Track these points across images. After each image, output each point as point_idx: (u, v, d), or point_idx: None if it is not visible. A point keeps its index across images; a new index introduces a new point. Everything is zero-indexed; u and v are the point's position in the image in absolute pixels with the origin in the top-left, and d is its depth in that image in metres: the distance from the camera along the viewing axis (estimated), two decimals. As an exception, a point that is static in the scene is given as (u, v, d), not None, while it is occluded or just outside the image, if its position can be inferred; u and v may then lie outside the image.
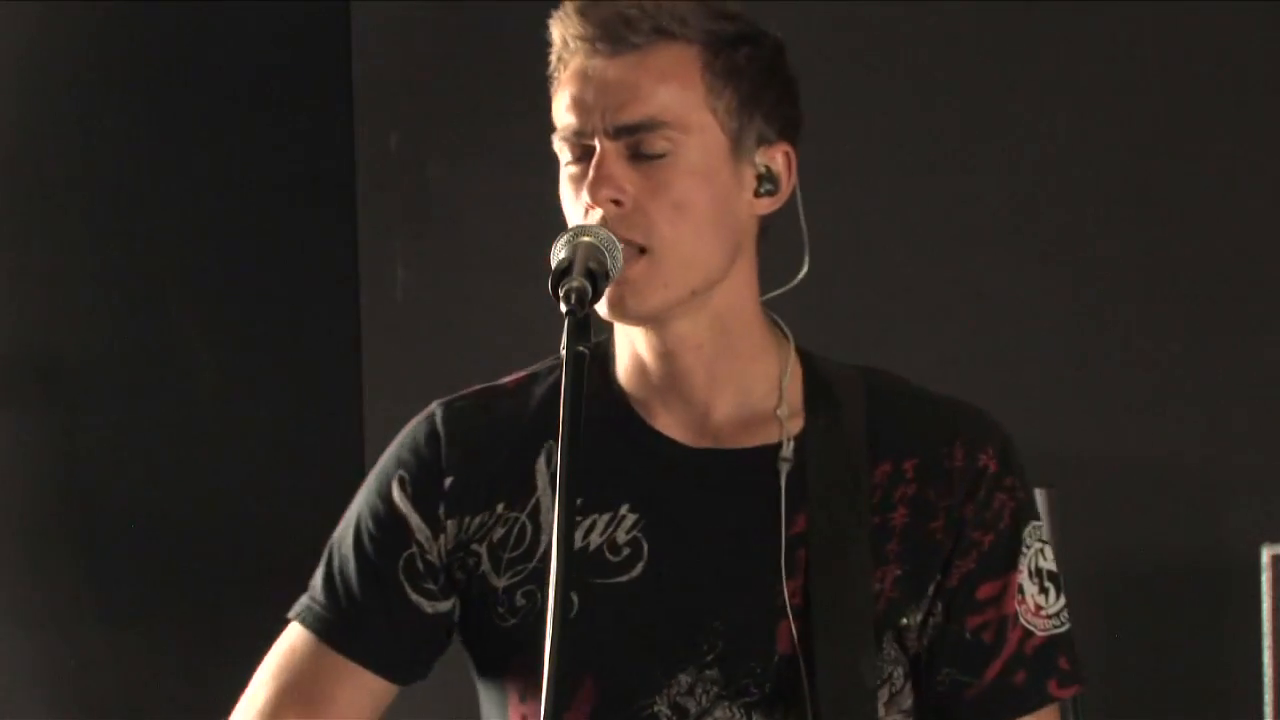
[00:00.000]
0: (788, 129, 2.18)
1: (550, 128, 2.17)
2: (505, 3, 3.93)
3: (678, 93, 2.12)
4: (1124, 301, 3.73)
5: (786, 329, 2.24)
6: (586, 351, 1.98)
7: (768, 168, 2.17)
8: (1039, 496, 3.36)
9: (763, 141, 2.16)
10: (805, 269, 2.22)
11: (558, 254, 2.06)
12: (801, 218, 2.20)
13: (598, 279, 2.03)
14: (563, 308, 2.00)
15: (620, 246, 2.08)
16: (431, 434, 2.23)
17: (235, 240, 4.01)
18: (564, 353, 1.98)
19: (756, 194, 2.17)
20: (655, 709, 2.15)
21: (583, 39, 2.12)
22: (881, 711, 2.18)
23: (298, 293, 4.05)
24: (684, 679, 2.15)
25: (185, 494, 3.96)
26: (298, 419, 4.01)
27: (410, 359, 4.00)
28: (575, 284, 2.01)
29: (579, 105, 2.12)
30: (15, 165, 3.89)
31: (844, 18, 3.80)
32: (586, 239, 2.06)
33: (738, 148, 2.15)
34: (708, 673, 2.15)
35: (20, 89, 3.88)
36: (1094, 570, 3.65)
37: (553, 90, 2.17)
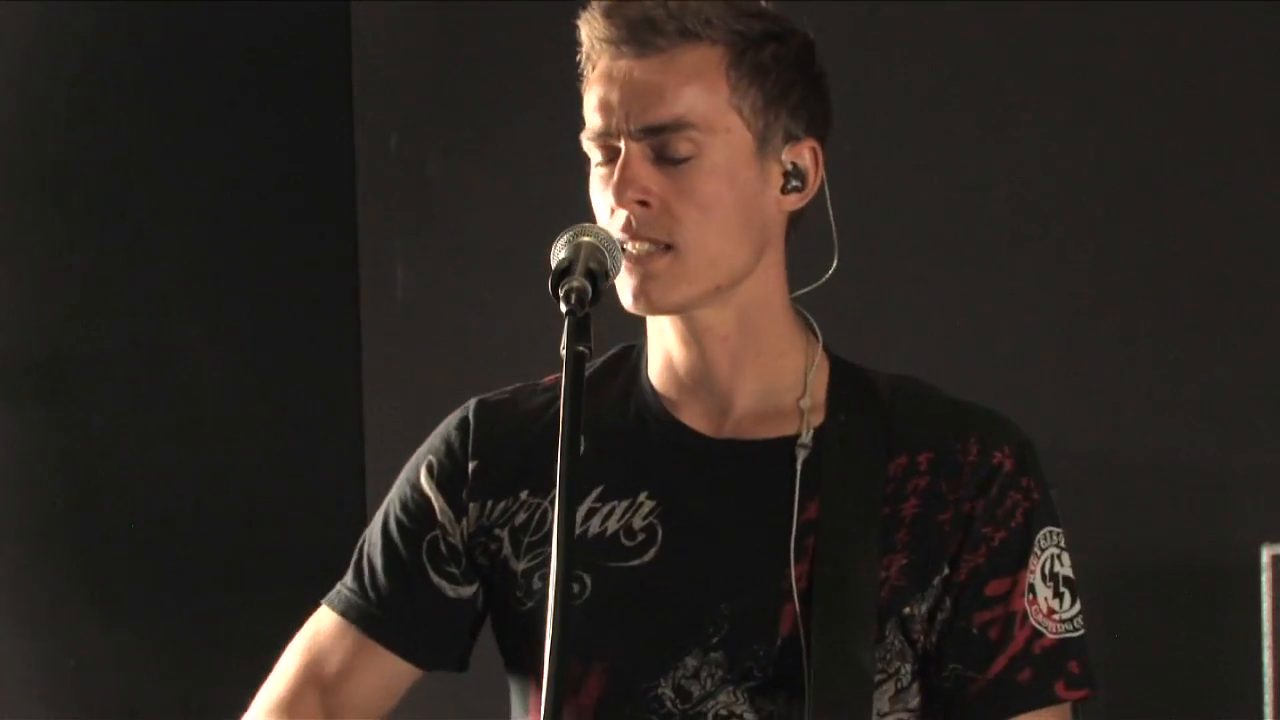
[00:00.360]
0: (815, 125, 2.20)
1: (579, 126, 2.18)
2: (505, 3, 3.93)
3: (702, 94, 2.13)
4: (1124, 301, 3.73)
5: (816, 326, 2.26)
6: (587, 351, 1.99)
7: (795, 164, 2.18)
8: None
9: (790, 138, 2.18)
10: (835, 264, 2.24)
11: (558, 254, 2.07)
12: (830, 212, 2.22)
13: (598, 279, 2.05)
14: (563, 308, 2.02)
15: (620, 246, 2.10)
16: (462, 423, 2.29)
17: (235, 240, 4.01)
18: (563, 352, 1.99)
19: (784, 190, 2.18)
20: (659, 691, 2.17)
21: (608, 41, 2.14)
22: (887, 707, 2.20)
23: (298, 293, 4.05)
24: (690, 662, 2.17)
25: (185, 494, 3.96)
26: (298, 419, 4.01)
27: (410, 359, 4.00)
28: (575, 284, 2.02)
29: (604, 107, 2.14)
30: (15, 165, 3.89)
31: (849, 17, 3.80)
32: (587, 239, 2.07)
33: (763, 146, 2.16)
34: (712, 655, 2.16)
35: (20, 89, 3.88)
36: (1094, 570, 3.64)
37: (583, 89, 2.19)
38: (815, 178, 2.19)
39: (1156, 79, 3.72)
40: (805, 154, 2.19)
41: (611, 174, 2.14)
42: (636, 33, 2.13)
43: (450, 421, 2.30)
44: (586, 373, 2.24)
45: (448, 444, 2.28)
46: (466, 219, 4.00)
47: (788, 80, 2.17)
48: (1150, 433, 3.71)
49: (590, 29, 2.16)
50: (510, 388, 2.32)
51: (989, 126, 3.78)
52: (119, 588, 3.94)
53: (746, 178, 2.15)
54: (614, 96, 2.13)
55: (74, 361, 3.93)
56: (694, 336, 2.20)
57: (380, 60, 4.05)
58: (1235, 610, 3.55)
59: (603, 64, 2.15)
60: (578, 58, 2.19)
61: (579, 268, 2.04)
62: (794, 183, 2.18)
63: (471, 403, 2.30)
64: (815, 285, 2.25)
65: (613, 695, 2.17)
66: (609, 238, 2.08)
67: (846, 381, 2.24)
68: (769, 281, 2.20)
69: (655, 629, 2.17)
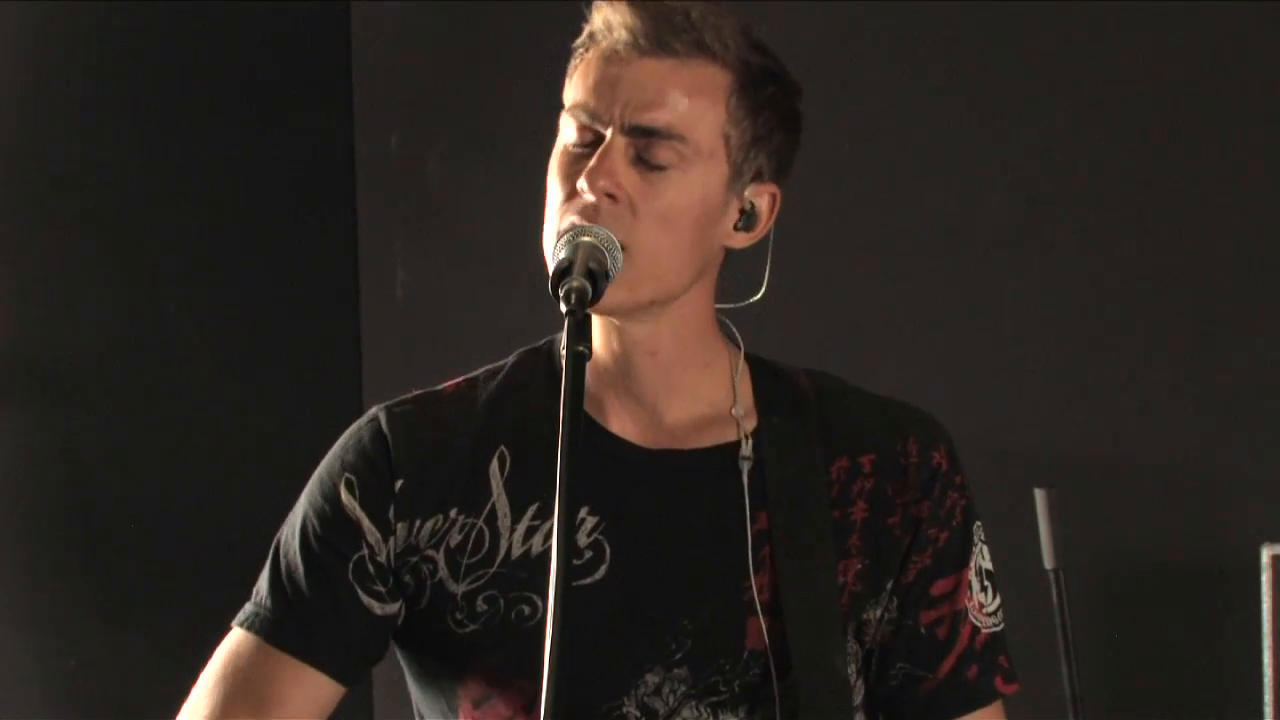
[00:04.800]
0: (781, 171, 2.21)
1: (559, 104, 2.17)
2: (505, 3, 3.93)
3: (701, 112, 2.13)
4: (1124, 301, 3.73)
5: (738, 335, 2.26)
6: (587, 351, 1.99)
7: (753, 204, 2.19)
8: (1039, 496, 3.38)
9: (757, 178, 2.18)
10: (761, 292, 2.22)
11: (558, 254, 2.07)
12: (769, 249, 2.22)
13: (598, 279, 2.05)
14: (563, 308, 2.01)
15: (620, 247, 2.09)
16: (377, 436, 2.23)
17: (235, 240, 4.01)
18: (564, 352, 1.98)
19: (735, 227, 2.19)
20: (624, 710, 2.16)
21: (628, 29, 2.12)
22: None
23: (298, 293, 4.05)
24: (651, 679, 2.16)
25: (185, 494, 3.96)
26: (298, 419, 4.01)
27: (410, 359, 4.00)
28: (575, 284, 2.02)
29: (602, 90, 2.13)
30: (15, 165, 3.89)
31: (849, 17, 3.81)
32: (587, 239, 2.07)
33: (735, 180, 2.17)
34: (675, 671, 2.16)
35: (20, 89, 3.88)
36: (1094, 570, 3.65)
37: (574, 65, 2.17)
38: (767, 223, 2.20)
39: (1156, 79, 3.72)
40: (765, 197, 2.19)
41: (583, 157, 2.13)
42: (657, 29, 2.12)
43: (361, 435, 2.24)
44: (494, 382, 2.24)
45: (366, 459, 2.22)
46: (466, 219, 4.00)
47: (775, 123, 2.17)
48: (1150, 433, 3.70)
49: (609, 11, 2.14)
50: (411, 396, 2.26)
51: (989, 126, 3.78)
52: (119, 588, 3.93)
53: (712, 205, 2.15)
54: (615, 83, 2.12)
55: (74, 361, 3.93)
56: (624, 350, 2.19)
57: (380, 60, 4.05)
58: (1235, 610, 3.55)
59: (609, 48, 2.14)
60: (580, 31, 2.16)
61: (579, 268, 2.03)
62: (746, 221, 2.19)
63: (380, 414, 2.24)
64: (737, 305, 2.24)
65: (575, 715, 2.14)
66: (609, 237, 2.08)
67: (770, 383, 2.24)
68: (699, 305, 2.20)
69: (614, 647, 2.16)
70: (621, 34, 2.13)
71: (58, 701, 3.90)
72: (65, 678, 3.91)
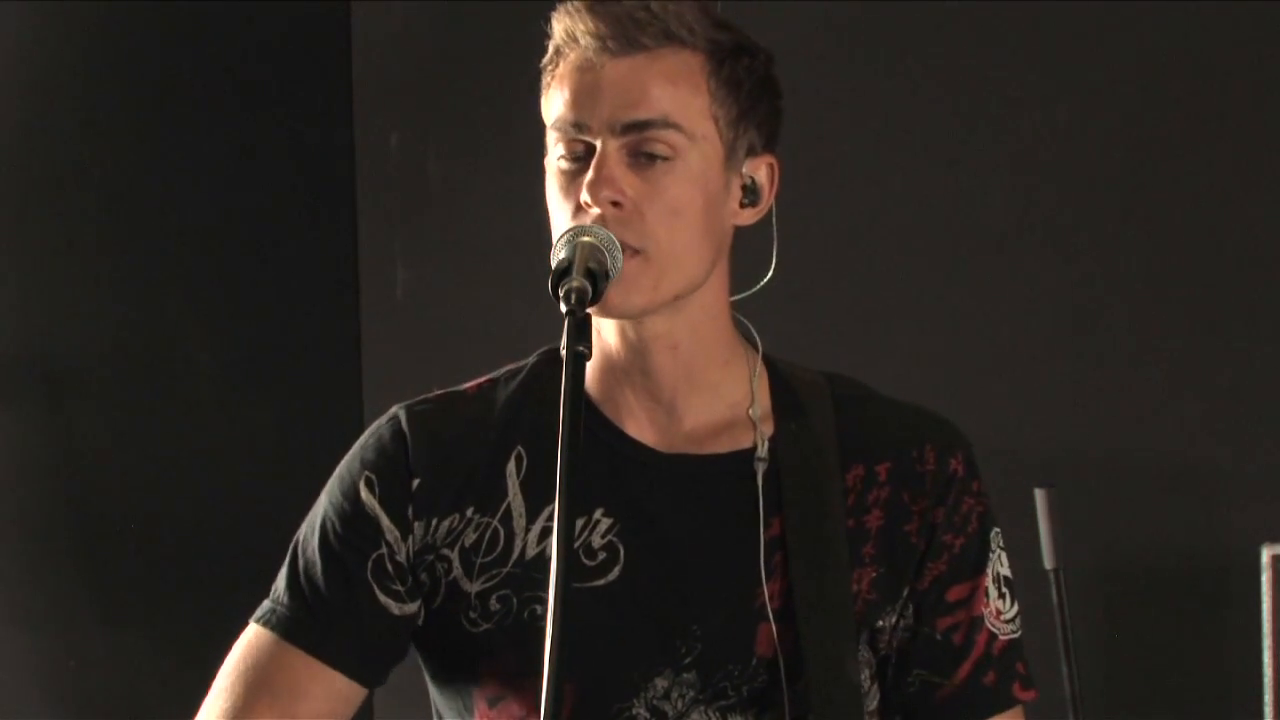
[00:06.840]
0: (772, 140, 2.21)
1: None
2: (505, 3, 3.93)
3: (686, 98, 2.13)
4: (1124, 301, 3.73)
5: (755, 333, 2.26)
6: (587, 351, 1.99)
7: (753, 179, 2.19)
8: (1039, 496, 3.38)
9: (751, 153, 2.19)
10: (770, 274, 2.23)
11: (558, 254, 2.07)
12: (774, 225, 2.22)
13: (598, 279, 2.04)
14: (563, 308, 2.01)
15: (620, 247, 2.09)
16: (397, 434, 2.23)
17: (235, 240, 4.01)
18: (564, 352, 1.98)
19: (740, 204, 2.19)
20: (634, 712, 2.16)
21: (594, 35, 2.12)
22: None
23: (298, 293, 4.05)
24: (660, 683, 2.16)
25: (185, 494, 3.96)
26: (298, 419, 4.01)
27: (410, 359, 4.00)
28: (575, 284, 2.02)
29: (582, 101, 2.13)
30: (16, 165, 3.89)
31: (849, 16, 3.81)
32: (586, 239, 2.07)
33: (731, 158, 2.17)
34: (684, 675, 2.16)
35: (20, 89, 3.88)
36: (1094, 570, 3.65)
37: (546, 82, 2.17)
38: (770, 194, 2.20)
39: (1158, 78, 3.72)
40: (763, 169, 2.19)
41: (579, 170, 2.12)
42: (623, 29, 2.12)
43: (381, 433, 2.24)
44: (514, 382, 2.24)
45: (386, 457, 2.22)
46: (466, 219, 4.00)
47: (757, 95, 2.18)
48: (1150, 433, 3.71)
49: (571, 22, 2.14)
50: (434, 395, 2.27)
51: (989, 126, 3.78)
52: (119, 588, 3.93)
53: (715, 187, 2.15)
54: (595, 91, 2.12)
55: (74, 362, 3.93)
56: (643, 345, 2.18)
57: (380, 60, 4.05)
58: (1235, 610, 3.55)
59: (581, 57, 2.13)
60: (546, 50, 2.17)
61: (579, 268, 2.03)
62: (750, 197, 2.19)
63: (400, 413, 2.25)
64: (751, 291, 2.24)
65: (586, 716, 2.15)
66: (609, 238, 2.08)
67: (788, 387, 2.24)
68: (717, 292, 2.20)
69: (624, 650, 2.16)
70: (588, 41, 2.13)
71: (58, 701, 3.90)
72: (65, 678, 3.91)
